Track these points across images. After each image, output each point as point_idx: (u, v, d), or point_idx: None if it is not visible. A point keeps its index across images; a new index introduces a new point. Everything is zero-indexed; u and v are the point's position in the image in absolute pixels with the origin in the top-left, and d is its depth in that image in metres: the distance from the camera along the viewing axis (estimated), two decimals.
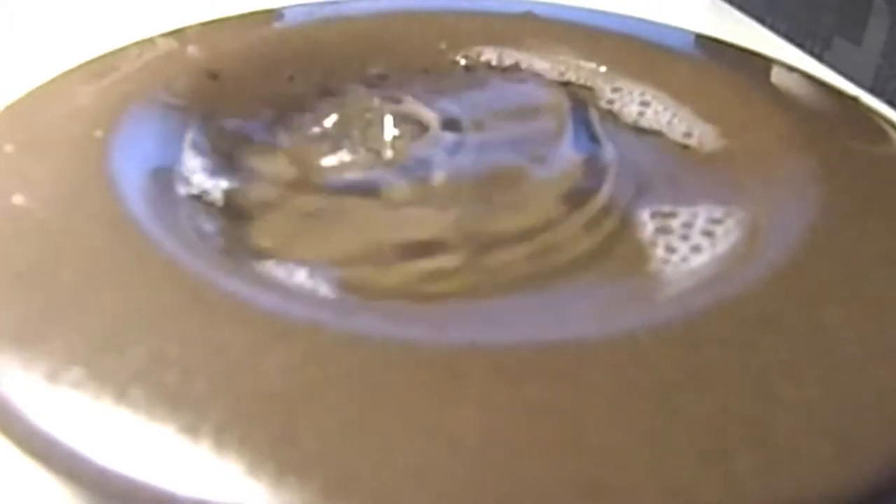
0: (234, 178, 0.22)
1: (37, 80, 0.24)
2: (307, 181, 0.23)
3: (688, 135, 0.25)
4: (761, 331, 0.16)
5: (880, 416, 0.14)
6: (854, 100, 0.25)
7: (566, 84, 0.28)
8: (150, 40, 0.27)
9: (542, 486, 0.13)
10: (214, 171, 0.22)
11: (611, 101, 0.27)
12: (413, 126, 0.25)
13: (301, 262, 0.19)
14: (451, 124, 0.26)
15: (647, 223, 0.21)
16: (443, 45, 0.29)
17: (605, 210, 0.22)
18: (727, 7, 0.39)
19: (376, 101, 0.26)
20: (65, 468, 0.13)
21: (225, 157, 0.23)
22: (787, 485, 0.13)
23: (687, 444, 0.13)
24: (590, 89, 0.28)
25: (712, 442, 0.13)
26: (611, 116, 0.26)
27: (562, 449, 0.13)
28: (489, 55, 0.29)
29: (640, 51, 0.28)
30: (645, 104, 0.26)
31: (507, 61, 0.29)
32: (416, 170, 0.23)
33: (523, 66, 0.29)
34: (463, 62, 0.29)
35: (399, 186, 0.23)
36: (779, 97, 0.25)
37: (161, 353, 0.15)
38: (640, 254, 0.20)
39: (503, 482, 0.13)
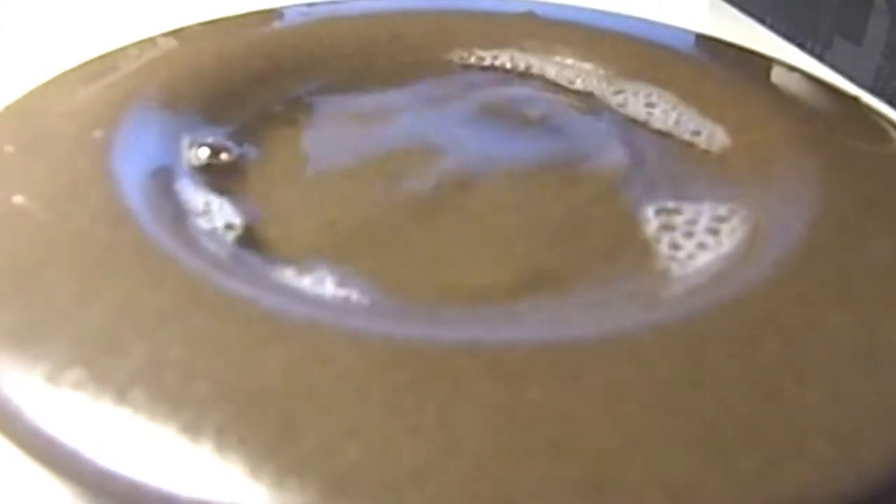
0: (236, 179, 0.22)
1: (37, 80, 0.24)
2: (308, 177, 0.23)
3: (696, 133, 0.25)
4: (762, 331, 0.16)
5: (880, 416, 0.14)
6: (854, 99, 0.25)
7: (573, 89, 0.28)
8: (150, 40, 0.27)
9: (542, 487, 0.13)
10: (216, 173, 0.22)
11: (621, 105, 0.27)
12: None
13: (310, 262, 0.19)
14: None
15: (651, 220, 0.21)
16: (443, 47, 0.29)
17: (612, 207, 0.22)
18: (727, 7, 0.39)
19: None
20: (65, 469, 0.13)
21: (225, 158, 0.23)
22: (787, 485, 0.13)
23: (687, 444, 0.13)
24: (593, 93, 0.28)
25: (712, 442, 0.13)
26: (619, 116, 0.26)
27: (561, 449, 0.13)
28: (490, 60, 0.29)
29: (641, 51, 0.28)
30: (651, 105, 0.26)
31: (509, 67, 0.29)
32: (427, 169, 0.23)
33: (531, 71, 0.29)
34: (462, 66, 0.29)
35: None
36: (779, 97, 0.25)
37: (161, 354, 0.15)
38: (645, 251, 0.20)
39: (502, 482, 0.13)
